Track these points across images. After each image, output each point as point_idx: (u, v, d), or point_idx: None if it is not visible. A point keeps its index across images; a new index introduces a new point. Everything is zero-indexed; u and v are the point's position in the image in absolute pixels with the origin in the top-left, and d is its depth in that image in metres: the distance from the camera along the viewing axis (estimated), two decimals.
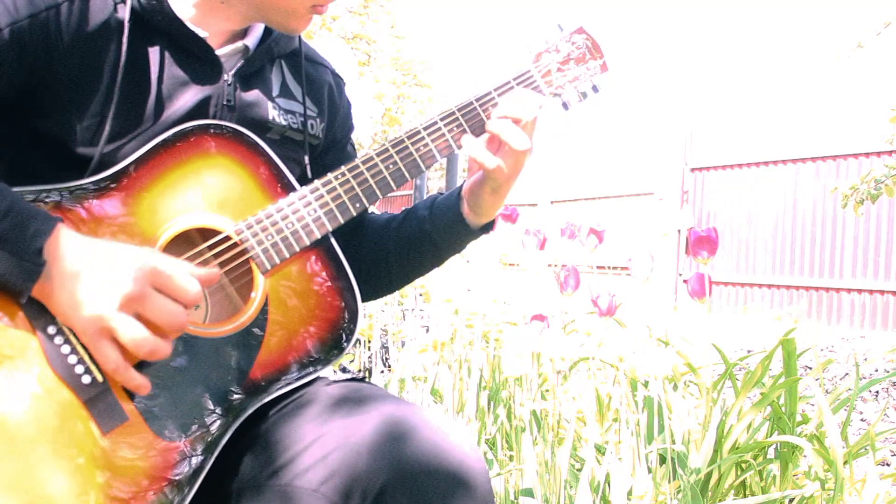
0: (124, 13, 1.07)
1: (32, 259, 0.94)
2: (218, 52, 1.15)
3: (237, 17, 1.15)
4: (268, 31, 1.22)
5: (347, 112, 1.37)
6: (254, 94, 1.18)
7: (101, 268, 0.96)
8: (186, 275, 0.99)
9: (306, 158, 1.25)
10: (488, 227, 1.28)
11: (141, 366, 1.00)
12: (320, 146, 1.30)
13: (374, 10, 11.44)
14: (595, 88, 1.27)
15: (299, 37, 1.27)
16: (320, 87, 1.31)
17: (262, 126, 1.19)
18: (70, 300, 0.95)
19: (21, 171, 1.05)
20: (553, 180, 10.91)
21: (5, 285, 0.95)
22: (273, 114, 1.20)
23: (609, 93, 1.30)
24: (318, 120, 1.28)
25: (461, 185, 1.26)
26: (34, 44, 1.02)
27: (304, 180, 1.23)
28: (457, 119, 1.18)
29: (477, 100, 1.19)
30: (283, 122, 1.22)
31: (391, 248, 1.30)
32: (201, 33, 1.13)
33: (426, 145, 1.17)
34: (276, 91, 1.22)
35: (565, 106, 1.26)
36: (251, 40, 1.19)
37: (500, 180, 1.19)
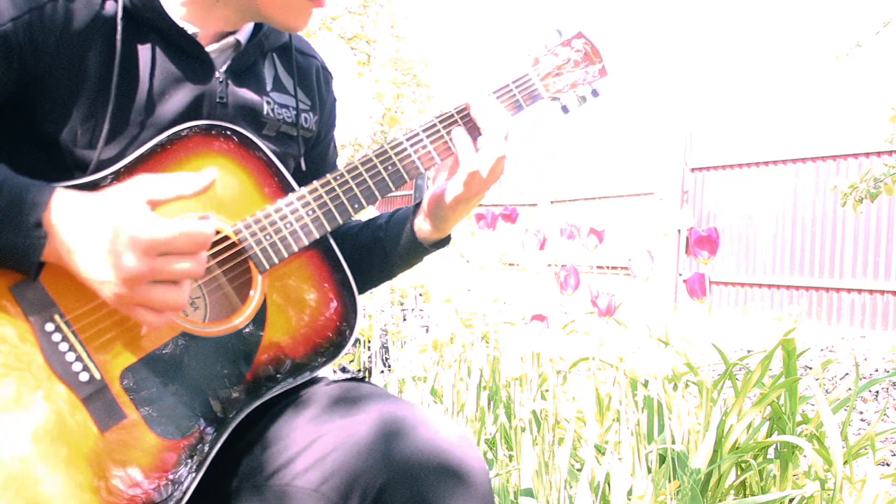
0: (112, 10, 1.06)
1: (32, 233, 0.93)
2: (209, 48, 1.14)
3: (233, 16, 1.14)
4: (259, 25, 1.21)
5: (333, 107, 1.36)
6: (247, 90, 1.18)
7: (110, 233, 0.92)
8: (191, 224, 0.93)
9: (301, 151, 1.25)
10: (441, 243, 1.26)
11: (142, 362, 1.00)
12: (312, 139, 1.30)
13: (373, 10, 11.44)
14: (594, 93, 1.27)
15: None
16: (312, 79, 1.30)
17: (256, 122, 1.18)
18: (86, 269, 0.93)
19: (21, 171, 1.04)
20: (553, 180, 10.91)
21: (10, 262, 0.94)
22: (267, 109, 1.20)
23: (609, 95, 1.31)
24: (310, 113, 1.28)
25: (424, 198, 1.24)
26: (21, 46, 1.01)
27: (298, 174, 1.23)
28: (455, 122, 1.18)
29: None
30: (278, 117, 1.21)
31: (346, 252, 1.26)
32: (191, 29, 1.12)
33: (424, 147, 1.16)
34: (269, 85, 1.22)
35: (565, 110, 1.27)
36: (242, 35, 1.18)
37: (475, 189, 1.17)
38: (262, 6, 1.11)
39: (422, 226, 1.24)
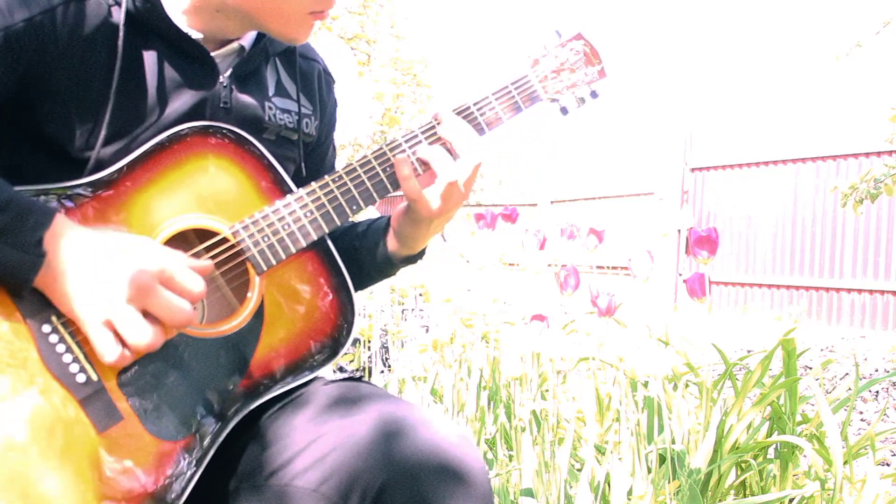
0: (119, 16, 1.07)
1: (33, 251, 0.93)
2: (213, 53, 1.14)
3: (234, 26, 1.14)
4: None
5: (333, 111, 1.36)
6: (249, 95, 1.18)
7: (105, 260, 0.95)
8: (190, 271, 0.98)
9: (301, 155, 1.25)
10: (411, 259, 1.26)
11: (139, 363, 1.00)
12: (313, 143, 1.30)
13: (373, 10, 11.43)
14: (594, 94, 1.27)
15: None
16: (313, 83, 1.30)
17: (258, 126, 1.18)
18: (73, 290, 0.95)
19: (20, 171, 1.04)
20: (553, 180, 10.91)
21: (7, 278, 0.94)
22: (269, 114, 1.20)
23: (609, 96, 1.30)
24: (312, 118, 1.28)
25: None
26: (28, 47, 1.01)
27: (298, 178, 1.23)
28: None
29: (475, 104, 1.19)
30: (279, 122, 1.21)
31: None
32: (196, 35, 1.12)
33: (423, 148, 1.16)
34: (271, 90, 1.22)
35: (564, 111, 1.26)
36: (246, 40, 1.18)
37: (423, 213, 1.16)
38: (262, 18, 1.11)
39: (391, 240, 1.24)
